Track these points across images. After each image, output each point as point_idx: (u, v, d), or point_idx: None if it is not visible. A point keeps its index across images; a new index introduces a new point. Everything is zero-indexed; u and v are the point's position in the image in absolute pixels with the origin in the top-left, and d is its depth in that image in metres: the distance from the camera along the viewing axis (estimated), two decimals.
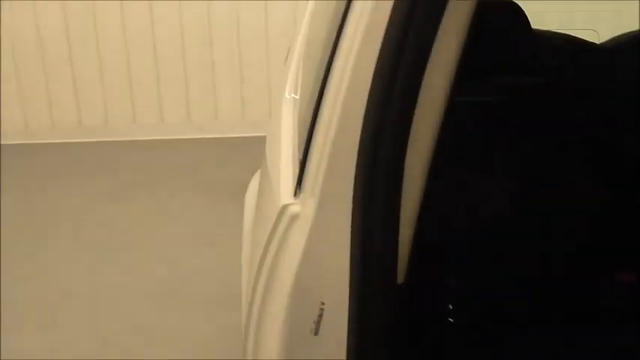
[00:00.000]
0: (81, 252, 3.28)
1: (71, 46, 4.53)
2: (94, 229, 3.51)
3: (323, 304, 1.05)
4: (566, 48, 1.75)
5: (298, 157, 1.12)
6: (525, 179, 1.59)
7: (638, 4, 2.47)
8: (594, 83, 1.69)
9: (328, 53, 1.01)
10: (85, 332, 2.70)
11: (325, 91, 1.00)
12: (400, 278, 0.93)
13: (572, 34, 1.84)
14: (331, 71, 0.99)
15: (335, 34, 1.01)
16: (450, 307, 1.17)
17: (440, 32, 0.87)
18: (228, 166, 4.09)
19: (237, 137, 4.41)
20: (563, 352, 1.33)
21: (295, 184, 1.08)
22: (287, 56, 2.00)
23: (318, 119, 1.02)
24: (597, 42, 1.95)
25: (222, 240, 3.15)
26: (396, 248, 0.91)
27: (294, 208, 1.06)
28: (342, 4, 1.06)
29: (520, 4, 1.65)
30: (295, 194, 1.09)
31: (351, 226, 0.93)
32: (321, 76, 1.01)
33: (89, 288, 2.99)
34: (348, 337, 0.97)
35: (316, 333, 1.06)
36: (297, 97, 1.44)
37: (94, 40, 4.53)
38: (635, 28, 1.94)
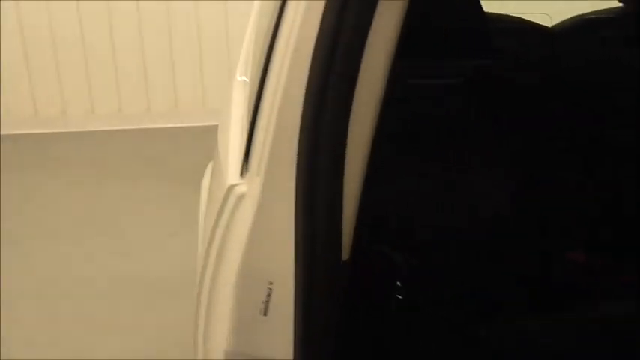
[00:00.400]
0: (41, 244, 3.23)
1: (26, 40, 4.44)
2: (53, 221, 3.46)
3: (271, 283, 1.05)
4: (517, 31, 1.78)
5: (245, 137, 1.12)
6: (473, 157, 1.61)
7: None
8: (542, 66, 1.72)
9: (270, 34, 1.01)
10: (43, 325, 2.67)
11: (268, 71, 1.00)
12: (345, 255, 0.94)
13: (525, 18, 1.87)
14: (273, 51, 0.99)
15: (277, 15, 1.01)
16: (399, 283, 1.18)
17: (377, 13, 0.87)
18: (189, 156, 4.06)
19: (198, 126, 4.38)
20: (511, 329, 1.35)
21: (242, 164, 1.08)
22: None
23: (262, 99, 1.02)
24: (549, 25, 1.98)
25: (184, 229, 3.13)
26: (339, 225, 0.91)
27: (241, 189, 1.06)
28: None
29: None
30: (242, 175, 1.08)
31: (295, 204, 0.93)
32: (265, 56, 1.01)
33: (49, 280, 2.95)
34: (294, 315, 0.97)
35: (265, 313, 1.07)
36: (247, 79, 1.43)
37: (50, 33, 4.44)
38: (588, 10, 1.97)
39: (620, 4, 1.93)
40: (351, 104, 0.87)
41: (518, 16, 1.87)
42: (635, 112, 1.72)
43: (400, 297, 1.17)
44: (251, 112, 1.06)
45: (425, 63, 1.66)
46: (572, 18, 1.96)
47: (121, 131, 4.57)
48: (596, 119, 1.73)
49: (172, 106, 4.68)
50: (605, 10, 1.90)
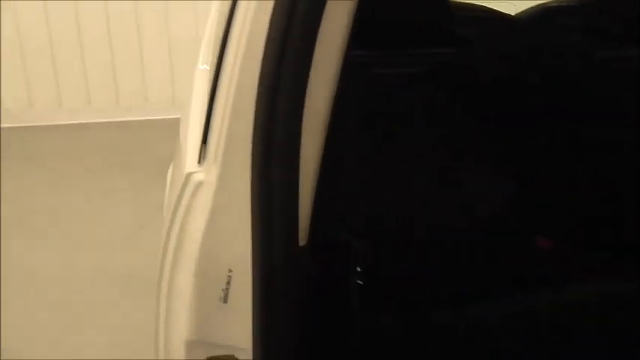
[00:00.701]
0: (7, 238, 3.19)
1: None
2: (21, 215, 3.41)
3: (230, 271, 1.05)
4: (481, 19, 1.79)
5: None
6: (437, 144, 1.62)
7: None
8: (505, 54, 1.73)
9: (226, 20, 1.00)
10: (14, 318, 2.64)
11: (224, 58, 1.00)
12: (302, 241, 0.94)
13: (489, 6, 1.88)
14: (228, 38, 0.98)
15: (232, 1, 1.00)
16: (359, 269, 1.19)
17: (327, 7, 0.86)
18: (158, 149, 4.04)
19: (167, 119, 4.36)
20: (474, 315, 1.37)
21: (200, 151, 1.07)
22: None
23: (218, 85, 1.01)
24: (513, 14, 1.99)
25: (154, 221, 3.11)
26: (295, 211, 0.91)
27: (198, 176, 1.06)
28: None
29: None
30: (200, 162, 1.08)
31: (251, 191, 0.93)
32: (220, 43, 1.00)
33: (17, 275, 2.91)
34: (252, 302, 0.97)
35: (226, 301, 1.06)
36: (208, 67, 1.42)
37: (16, 28, 4.37)
38: None
39: None
40: (304, 90, 0.87)
41: (482, 4, 1.88)
42: (593, 98, 1.75)
43: (360, 282, 1.18)
44: (208, 100, 1.05)
45: (389, 53, 1.67)
46: (535, 7, 1.98)
47: (91, 124, 4.53)
48: (558, 106, 1.75)
49: (141, 99, 4.64)
50: None
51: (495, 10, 1.85)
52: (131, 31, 4.49)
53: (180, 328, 1.11)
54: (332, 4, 0.85)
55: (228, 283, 1.05)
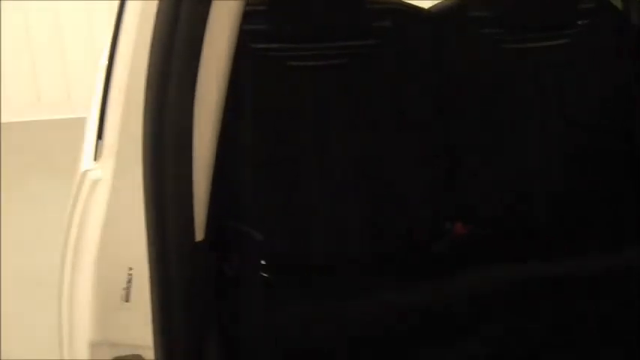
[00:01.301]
0: None
1: None
2: None
3: (131, 269, 1.03)
4: (395, 11, 1.80)
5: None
6: (345, 136, 1.64)
7: None
8: (419, 48, 1.76)
9: (118, 14, 0.98)
10: None
11: (115, 53, 0.98)
12: (199, 236, 0.93)
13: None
14: (120, 30, 0.96)
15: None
16: (263, 262, 1.18)
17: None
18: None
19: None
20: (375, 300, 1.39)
21: (95, 148, 1.05)
22: None
23: (110, 81, 0.99)
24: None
25: None
26: (190, 206, 0.90)
27: (95, 173, 1.03)
28: None
29: None
30: (96, 159, 1.05)
31: (144, 188, 0.91)
32: (113, 37, 0.98)
33: None
34: (150, 299, 0.95)
35: (127, 299, 1.05)
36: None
37: None
38: None
39: None
40: (194, 85, 0.86)
41: None
42: (503, 86, 1.79)
43: (265, 275, 1.17)
44: (102, 95, 1.03)
45: (304, 45, 1.67)
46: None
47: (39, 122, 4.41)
48: (472, 96, 1.79)
49: (65, 96, 4.55)
50: None
51: (409, 3, 1.87)
52: (83, 26, 4.42)
53: (84, 329, 1.09)
54: (217, 4, 0.84)
55: (129, 281, 1.03)
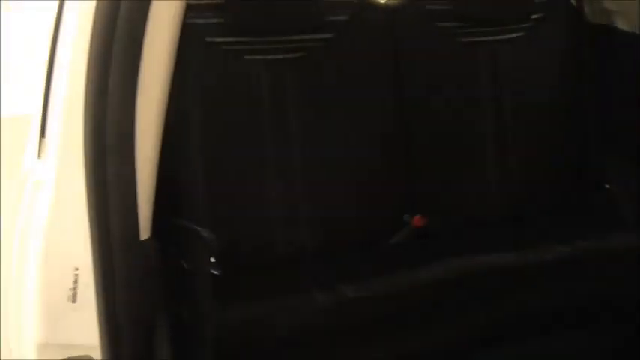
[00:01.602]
0: None
1: None
2: None
3: (77, 269, 1.02)
4: (351, 4, 1.80)
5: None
6: (306, 130, 1.64)
7: None
8: (375, 41, 1.76)
9: (58, 11, 0.96)
10: None
11: (56, 49, 0.96)
12: (144, 235, 0.92)
13: None
14: (60, 27, 0.94)
15: None
16: (213, 259, 1.18)
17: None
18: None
19: None
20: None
21: (38, 147, 1.03)
22: None
23: (51, 78, 0.97)
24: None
25: None
26: (134, 205, 0.89)
27: (38, 173, 1.01)
28: None
29: None
30: (39, 156, 1.03)
31: (86, 186, 0.90)
32: (53, 37, 0.96)
33: None
34: (95, 299, 0.94)
35: (74, 300, 1.03)
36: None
37: None
38: None
39: None
40: (136, 83, 0.84)
41: None
42: (456, 77, 1.80)
43: (215, 273, 1.17)
44: (44, 92, 1.01)
45: (260, 39, 1.66)
46: None
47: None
48: (425, 88, 1.80)
49: None
50: None
51: None
52: None
53: (32, 331, 1.07)
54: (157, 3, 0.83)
55: (76, 281, 1.01)
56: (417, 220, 1.78)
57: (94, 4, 0.86)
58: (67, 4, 0.92)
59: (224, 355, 1.18)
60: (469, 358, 1.55)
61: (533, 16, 1.89)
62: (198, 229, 1.13)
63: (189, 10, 1.58)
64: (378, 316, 1.46)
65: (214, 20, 1.61)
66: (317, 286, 1.39)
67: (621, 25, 1.90)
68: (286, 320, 1.32)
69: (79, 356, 1.06)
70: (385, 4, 1.96)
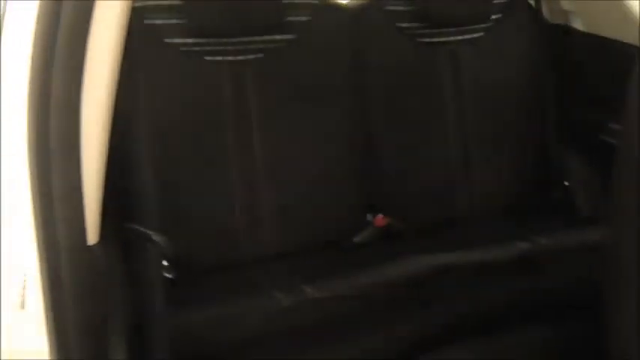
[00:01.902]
0: None
1: None
2: None
3: (25, 275, 1.00)
4: (312, 6, 1.80)
5: None
6: (267, 131, 1.63)
7: None
8: (336, 41, 1.77)
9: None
10: None
11: None
12: (92, 239, 0.90)
13: None
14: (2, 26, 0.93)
15: None
16: (165, 263, 1.16)
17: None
18: None
19: None
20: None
21: None
22: None
23: None
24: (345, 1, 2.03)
25: None
26: (80, 209, 0.87)
27: None
28: None
29: None
30: None
31: (30, 190, 0.88)
32: None
33: None
34: (43, 304, 0.93)
35: (23, 306, 1.01)
36: None
37: None
38: None
39: None
40: (80, 84, 0.83)
41: None
42: (418, 76, 1.82)
43: (170, 276, 1.15)
44: None
45: (220, 40, 1.65)
46: None
47: None
48: (388, 88, 1.81)
49: None
50: None
51: None
52: None
53: None
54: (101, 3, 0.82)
55: (24, 288, 1.00)
56: (380, 220, 1.79)
57: (36, 4, 0.84)
58: (9, 4, 0.90)
59: (180, 358, 1.17)
60: (432, 355, 1.56)
61: (493, 17, 1.91)
62: (150, 232, 1.12)
63: (148, 11, 1.59)
64: (340, 316, 1.46)
65: (173, 21, 1.60)
66: (278, 287, 1.39)
67: (578, 25, 1.93)
68: (247, 321, 1.32)
69: None
70: (346, 5, 1.96)
